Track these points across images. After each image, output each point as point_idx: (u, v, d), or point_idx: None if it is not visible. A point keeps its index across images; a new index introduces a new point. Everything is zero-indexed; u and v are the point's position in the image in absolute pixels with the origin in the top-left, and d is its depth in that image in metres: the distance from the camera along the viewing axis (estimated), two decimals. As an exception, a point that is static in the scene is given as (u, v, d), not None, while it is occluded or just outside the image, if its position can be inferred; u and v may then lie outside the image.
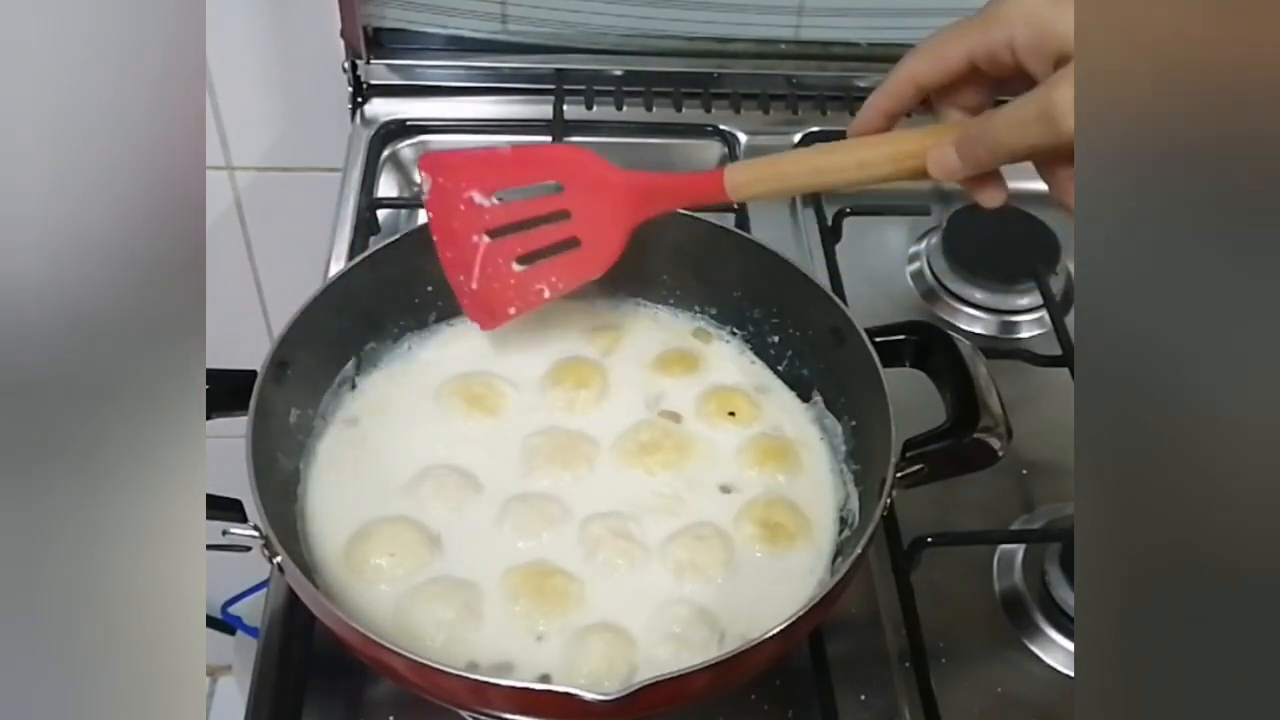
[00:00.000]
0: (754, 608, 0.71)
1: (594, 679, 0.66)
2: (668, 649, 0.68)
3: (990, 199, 0.67)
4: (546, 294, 0.78)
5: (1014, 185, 0.67)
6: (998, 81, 0.65)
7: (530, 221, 0.77)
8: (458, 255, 0.78)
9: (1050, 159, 0.62)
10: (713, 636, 0.69)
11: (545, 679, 0.66)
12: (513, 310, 0.78)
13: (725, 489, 0.77)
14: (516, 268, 0.78)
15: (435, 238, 0.78)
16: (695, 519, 0.75)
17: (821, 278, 0.95)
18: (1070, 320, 0.97)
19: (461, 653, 0.68)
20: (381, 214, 1.04)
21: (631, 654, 0.68)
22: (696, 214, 0.83)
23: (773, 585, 0.73)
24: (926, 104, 0.69)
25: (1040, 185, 0.64)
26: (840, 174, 0.70)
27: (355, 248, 0.99)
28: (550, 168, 0.77)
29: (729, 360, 0.86)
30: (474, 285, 0.78)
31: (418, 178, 1.11)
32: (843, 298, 0.90)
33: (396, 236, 0.83)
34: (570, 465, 0.77)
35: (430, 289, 0.85)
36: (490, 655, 0.68)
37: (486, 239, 0.77)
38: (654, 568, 0.73)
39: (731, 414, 0.81)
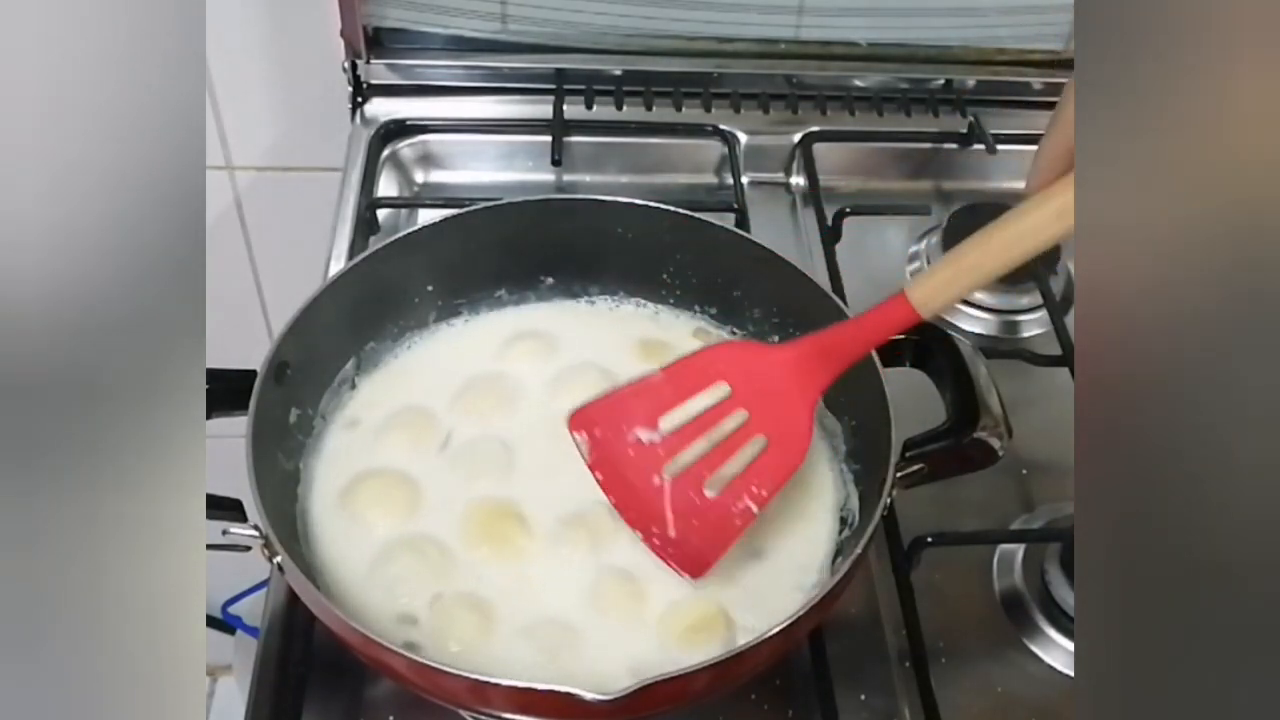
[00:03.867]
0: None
1: None
2: None
3: None
4: (755, 509, 0.68)
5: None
6: None
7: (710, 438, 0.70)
8: (643, 508, 0.69)
9: None
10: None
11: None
12: (722, 550, 0.69)
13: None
14: (710, 494, 0.69)
15: (612, 501, 0.70)
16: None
17: (821, 278, 0.95)
18: (1070, 320, 0.97)
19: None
20: (381, 214, 1.04)
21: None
22: (695, 214, 0.84)
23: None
24: None
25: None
26: (1039, 234, 0.61)
27: (355, 248, 0.99)
28: (709, 373, 0.70)
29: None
30: (672, 533, 0.69)
31: (418, 177, 1.12)
32: (843, 298, 0.90)
33: (396, 236, 0.82)
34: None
35: (430, 289, 0.85)
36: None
37: (669, 477, 0.69)
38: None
39: None
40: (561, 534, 0.73)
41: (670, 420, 0.70)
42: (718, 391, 0.70)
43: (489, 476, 0.77)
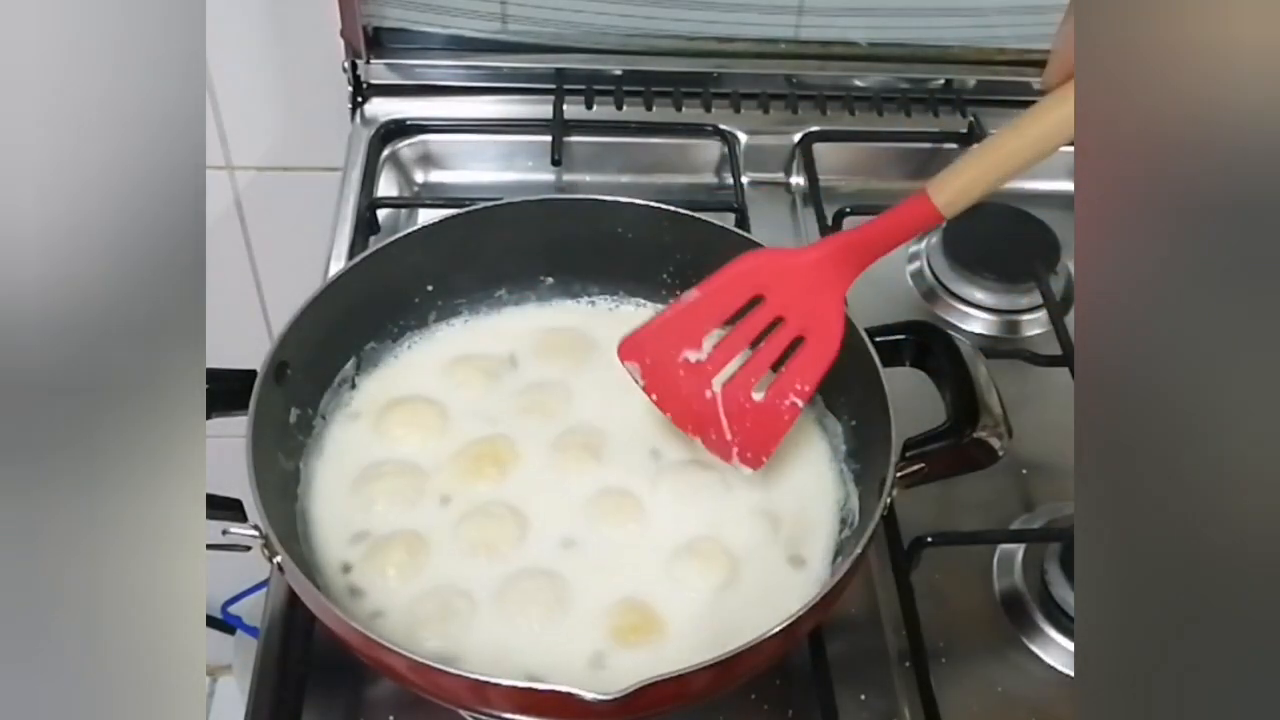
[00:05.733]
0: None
1: None
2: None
3: None
4: (800, 403, 0.75)
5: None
6: None
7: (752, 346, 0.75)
8: (700, 418, 0.76)
9: None
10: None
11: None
12: (775, 443, 0.76)
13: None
14: (758, 397, 0.75)
15: (669, 416, 0.77)
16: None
17: (821, 277, 0.95)
18: (1070, 320, 0.97)
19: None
20: (381, 214, 1.04)
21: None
22: (695, 214, 0.84)
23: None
24: None
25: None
26: (1056, 137, 0.64)
27: (355, 248, 0.99)
28: (742, 286, 0.74)
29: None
30: (729, 437, 0.76)
31: (418, 177, 1.12)
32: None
33: (396, 236, 0.83)
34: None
35: (430, 289, 0.85)
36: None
37: (719, 388, 0.76)
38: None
39: None
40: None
41: (713, 338, 0.75)
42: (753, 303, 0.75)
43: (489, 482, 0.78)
